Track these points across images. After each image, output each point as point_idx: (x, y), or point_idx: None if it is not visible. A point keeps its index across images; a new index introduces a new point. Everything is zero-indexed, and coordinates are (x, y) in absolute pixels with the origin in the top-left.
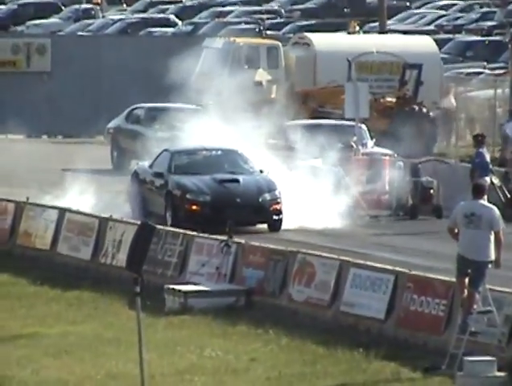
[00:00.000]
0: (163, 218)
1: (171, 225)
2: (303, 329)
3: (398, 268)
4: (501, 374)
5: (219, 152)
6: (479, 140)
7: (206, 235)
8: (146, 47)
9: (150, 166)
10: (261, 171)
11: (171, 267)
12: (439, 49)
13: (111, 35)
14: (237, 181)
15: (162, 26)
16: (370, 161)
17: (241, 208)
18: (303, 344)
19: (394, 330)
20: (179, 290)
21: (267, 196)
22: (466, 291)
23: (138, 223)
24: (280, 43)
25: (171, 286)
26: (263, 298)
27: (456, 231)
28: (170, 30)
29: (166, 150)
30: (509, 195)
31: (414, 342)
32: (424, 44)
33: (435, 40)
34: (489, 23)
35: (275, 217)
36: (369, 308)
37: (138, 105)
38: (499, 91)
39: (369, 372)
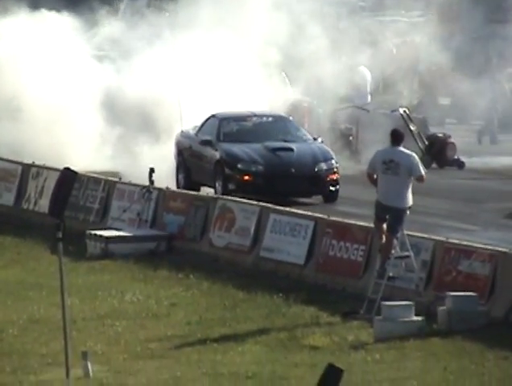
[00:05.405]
0: (212, 187)
1: (222, 194)
2: (224, 274)
3: (317, 214)
4: (419, 318)
5: (270, 118)
6: None
7: (127, 181)
8: None
9: (196, 134)
10: (315, 139)
11: (92, 213)
12: None
13: None
14: (291, 150)
15: None
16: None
17: (296, 179)
18: (223, 289)
19: (313, 275)
20: (101, 236)
21: (323, 166)
22: (384, 237)
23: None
24: None
25: (93, 232)
26: (184, 244)
27: (375, 177)
28: None
29: (213, 116)
30: (426, 142)
31: (333, 287)
32: None
33: None
34: None
35: (332, 188)
36: (288, 253)
37: None
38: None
39: (289, 316)
